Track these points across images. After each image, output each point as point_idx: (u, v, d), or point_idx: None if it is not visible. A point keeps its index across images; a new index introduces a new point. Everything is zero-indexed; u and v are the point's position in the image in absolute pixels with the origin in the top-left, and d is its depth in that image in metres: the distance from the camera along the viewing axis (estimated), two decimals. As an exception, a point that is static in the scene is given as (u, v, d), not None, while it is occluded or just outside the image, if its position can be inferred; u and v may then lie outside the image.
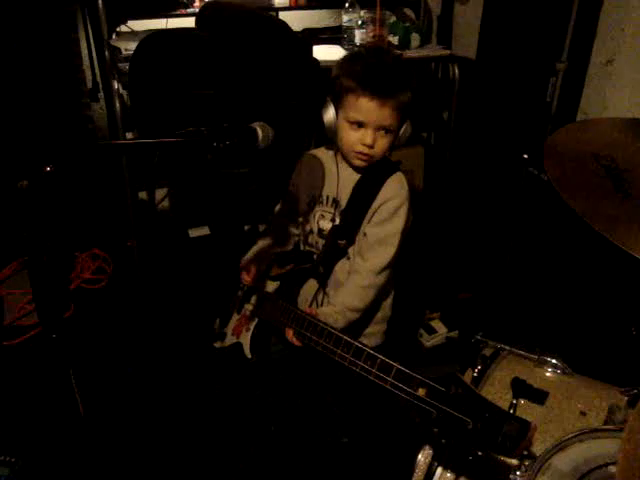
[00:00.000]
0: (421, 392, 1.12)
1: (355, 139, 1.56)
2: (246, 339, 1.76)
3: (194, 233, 3.27)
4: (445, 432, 1.05)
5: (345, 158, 1.67)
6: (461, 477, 1.13)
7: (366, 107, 1.52)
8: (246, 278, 1.79)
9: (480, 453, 1.03)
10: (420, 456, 1.25)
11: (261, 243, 1.84)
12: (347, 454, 1.95)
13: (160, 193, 3.40)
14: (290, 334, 1.56)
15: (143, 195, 3.31)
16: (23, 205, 0.88)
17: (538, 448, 1.11)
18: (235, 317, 1.86)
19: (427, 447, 1.23)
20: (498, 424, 0.97)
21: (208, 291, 2.13)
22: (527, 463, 0.99)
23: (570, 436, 0.99)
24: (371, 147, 1.56)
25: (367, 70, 1.52)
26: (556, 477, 0.91)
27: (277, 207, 1.91)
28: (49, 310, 1.01)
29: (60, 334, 1.00)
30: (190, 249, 3.19)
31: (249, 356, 1.74)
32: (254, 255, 1.82)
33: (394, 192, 1.63)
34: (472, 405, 1.02)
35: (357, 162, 1.62)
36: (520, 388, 1.22)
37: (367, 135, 1.54)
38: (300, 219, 1.80)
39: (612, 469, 0.92)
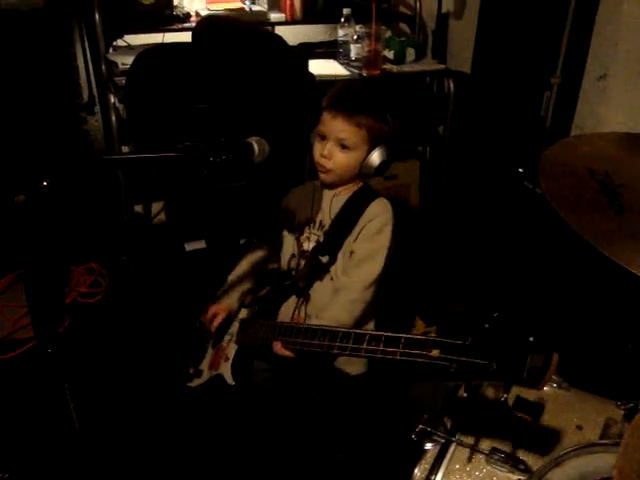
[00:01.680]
0: (435, 353, 1.12)
1: (318, 151, 1.66)
2: (226, 368, 1.74)
3: (190, 247, 3.26)
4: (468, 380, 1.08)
5: (324, 185, 1.75)
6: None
7: (327, 119, 1.63)
8: (212, 323, 1.78)
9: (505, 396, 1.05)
10: (417, 470, 1.25)
11: (234, 282, 1.85)
12: (341, 470, 1.94)
13: (156, 206, 3.41)
14: (278, 346, 1.55)
15: (139, 208, 3.31)
16: (20, 219, 0.88)
17: (534, 462, 1.11)
18: (210, 352, 1.84)
19: (423, 462, 1.23)
20: (521, 358, 0.98)
21: (177, 332, 2.13)
22: (524, 478, 0.99)
23: (566, 451, 0.99)
24: (328, 160, 1.64)
25: (338, 90, 1.67)
26: (553, 492, 0.92)
27: (258, 239, 1.95)
28: (45, 325, 1.01)
29: (55, 349, 0.99)
30: (186, 263, 3.18)
31: (232, 383, 1.72)
32: (227, 300, 1.82)
33: (379, 211, 1.69)
34: (490, 348, 1.03)
35: (321, 176, 1.70)
36: (519, 403, 1.22)
37: (325, 146, 1.63)
38: (286, 243, 1.84)
39: (609, 484, 0.92)
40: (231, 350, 1.76)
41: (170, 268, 3.06)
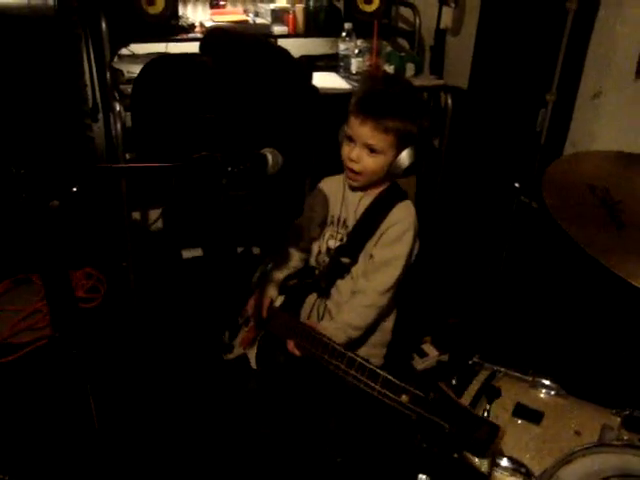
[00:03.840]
0: (404, 398, 1.22)
1: (346, 154, 1.66)
2: (252, 351, 1.80)
3: (187, 254, 3.28)
4: (426, 436, 1.13)
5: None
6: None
7: (355, 125, 1.62)
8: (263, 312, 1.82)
9: (456, 455, 1.12)
10: (422, 476, 1.28)
11: (274, 272, 1.88)
12: (341, 474, 1.97)
13: (153, 214, 3.43)
14: (291, 345, 1.62)
15: (136, 215, 3.33)
16: (54, 223, 0.91)
17: (536, 466, 1.16)
18: (244, 329, 1.88)
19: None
20: (470, 428, 1.06)
21: (218, 304, 2.16)
22: (537, 475, 1.03)
23: (575, 450, 1.03)
24: (357, 163, 1.63)
25: (365, 92, 1.64)
26: (562, 488, 0.96)
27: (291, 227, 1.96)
28: (69, 326, 1.04)
29: (80, 350, 1.02)
30: (183, 270, 3.20)
31: (254, 367, 1.77)
32: (269, 287, 1.86)
33: (402, 217, 1.69)
34: (449, 410, 1.11)
35: (349, 180, 1.71)
36: (519, 409, 1.26)
37: (354, 150, 1.63)
38: (313, 238, 1.85)
39: (614, 482, 0.97)
40: (259, 334, 1.80)
41: (167, 275, 3.08)
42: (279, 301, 1.82)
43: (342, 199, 1.77)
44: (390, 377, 1.29)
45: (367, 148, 1.62)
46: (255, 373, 1.78)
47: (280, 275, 1.88)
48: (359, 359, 1.38)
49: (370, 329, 1.74)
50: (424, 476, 1.27)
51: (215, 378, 2.18)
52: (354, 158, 1.63)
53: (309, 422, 1.94)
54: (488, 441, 1.04)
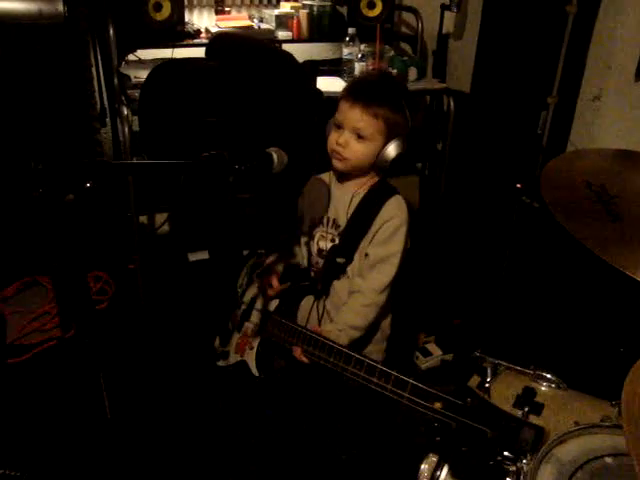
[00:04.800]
0: (437, 405, 1.20)
1: (333, 139, 1.66)
2: (251, 357, 1.78)
3: (194, 257, 3.31)
4: (464, 442, 1.12)
5: (339, 178, 1.76)
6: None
7: (345, 108, 1.63)
8: (274, 287, 1.82)
9: (497, 459, 1.10)
10: (424, 465, 1.31)
11: (272, 258, 1.89)
12: (346, 471, 1.99)
13: (159, 218, 3.47)
14: (298, 352, 1.61)
15: (143, 219, 3.37)
16: (68, 218, 0.95)
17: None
18: (236, 335, 1.88)
19: (431, 455, 1.29)
20: (515, 431, 1.05)
21: (206, 310, 2.18)
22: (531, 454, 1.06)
23: (569, 431, 1.06)
24: (344, 148, 1.63)
25: (357, 81, 1.70)
26: (557, 466, 0.99)
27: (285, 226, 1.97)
28: (81, 316, 1.08)
29: (92, 339, 1.06)
30: (189, 273, 3.23)
31: (256, 374, 1.76)
32: (272, 266, 1.86)
33: (394, 213, 1.69)
34: (488, 415, 1.10)
35: (334, 163, 1.69)
36: (525, 398, 1.28)
37: (342, 136, 1.63)
38: (304, 240, 1.86)
39: (607, 460, 1.00)
40: (255, 340, 1.79)
41: (174, 278, 3.11)
42: (273, 305, 1.81)
43: (330, 199, 1.76)
44: (419, 384, 1.27)
45: (355, 134, 1.62)
46: (256, 379, 1.77)
47: (278, 267, 1.87)
48: (380, 366, 1.37)
49: (371, 328, 1.76)
50: (435, 457, 1.27)
51: (214, 384, 2.18)
52: (342, 143, 1.63)
53: (313, 422, 1.96)
54: (535, 443, 1.04)
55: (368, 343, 1.82)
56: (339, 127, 1.64)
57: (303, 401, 1.97)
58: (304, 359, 1.60)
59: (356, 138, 1.62)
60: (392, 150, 1.63)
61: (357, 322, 1.69)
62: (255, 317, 1.84)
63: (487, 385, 1.40)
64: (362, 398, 1.86)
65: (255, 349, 1.78)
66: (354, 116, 1.60)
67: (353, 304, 1.70)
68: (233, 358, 1.85)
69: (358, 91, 1.62)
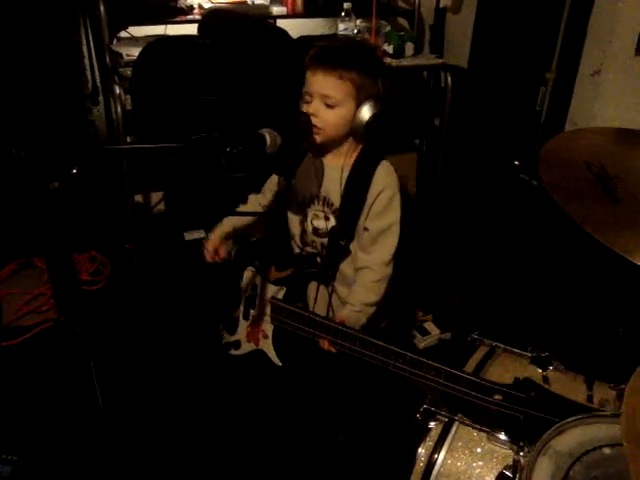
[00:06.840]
0: (497, 398, 1.22)
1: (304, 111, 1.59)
2: (269, 347, 1.75)
3: (189, 236, 3.30)
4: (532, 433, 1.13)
5: (321, 153, 1.69)
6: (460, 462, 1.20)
7: (309, 76, 1.57)
8: (212, 257, 1.78)
9: None
10: (421, 449, 1.30)
11: (230, 224, 1.83)
12: (344, 451, 2.00)
13: (155, 197, 3.45)
14: (326, 345, 1.58)
15: (139, 198, 3.35)
16: (53, 205, 0.93)
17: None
18: (244, 323, 1.84)
19: (427, 440, 1.29)
20: None
21: (208, 296, 2.16)
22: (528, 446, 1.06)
23: (567, 421, 1.06)
24: (315, 117, 1.56)
25: (318, 47, 1.59)
26: (555, 458, 0.99)
27: (259, 195, 1.90)
28: (71, 305, 1.06)
29: (82, 328, 1.04)
30: (185, 252, 3.22)
31: (279, 363, 1.74)
32: (223, 234, 1.81)
33: (385, 182, 1.65)
34: (552, 404, 1.13)
35: (313, 137, 1.61)
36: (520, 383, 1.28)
37: (311, 105, 1.57)
38: (298, 219, 1.81)
39: (605, 450, 0.99)
40: (268, 328, 1.75)
41: (170, 257, 3.10)
42: (281, 294, 1.74)
43: (321, 176, 1.70)
44: (473, 377, 1.29)
45: (324, 102, 1.55)
46: (281, 369, 1.75)
47: (236, 222, 1.81)
48: (424, 360, 1.37)
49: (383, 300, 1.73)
50: (428, 442, 1.29)
51: (228, 372, 2.20)
52: (312, 111, 1.56)
53: (310, 401, 1.97)
54: None
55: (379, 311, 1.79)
56: (308, 98, 1.58)
57: (312, 383, 1.97)
58: (332, 349, 1.57)
59: (325, 107, 1.56)
60: (365, 112, 1.56)
61: (372, 299, 1.68)
62: (259, 304, 1.80)
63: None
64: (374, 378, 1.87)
65: (270, 338, 1.75)
66: (318, 82, 1.54)
67: (364, 281, 1.69)
68: (246, 347, 1.83)
69: (319, 55, 1.56)
